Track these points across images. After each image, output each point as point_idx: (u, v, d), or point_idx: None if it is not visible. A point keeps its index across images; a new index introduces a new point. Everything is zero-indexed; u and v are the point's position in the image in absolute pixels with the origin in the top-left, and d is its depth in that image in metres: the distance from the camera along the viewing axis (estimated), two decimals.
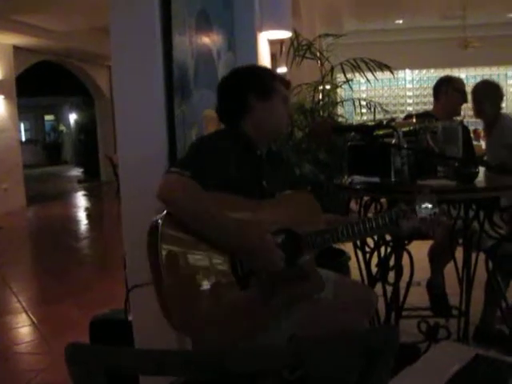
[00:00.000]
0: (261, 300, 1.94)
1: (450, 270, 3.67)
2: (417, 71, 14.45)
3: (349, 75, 4.99)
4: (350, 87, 5.26)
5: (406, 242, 2.79)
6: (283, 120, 2.27)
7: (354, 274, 3.43)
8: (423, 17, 12.30)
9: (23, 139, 25.28)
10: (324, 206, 2.20)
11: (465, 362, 1.42)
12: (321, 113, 4.84)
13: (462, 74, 12.86)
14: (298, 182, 2.43)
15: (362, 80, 5.16)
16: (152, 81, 2.53)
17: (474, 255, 3.21)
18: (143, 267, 1.93)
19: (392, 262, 2.86)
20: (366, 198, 3.01)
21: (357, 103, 5.26)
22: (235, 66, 3.55)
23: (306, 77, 5.32)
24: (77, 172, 18.97)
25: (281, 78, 2.30)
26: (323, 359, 1.13)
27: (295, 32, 4.71)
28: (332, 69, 4.89)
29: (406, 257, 2.81)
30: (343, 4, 10.60)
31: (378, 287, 2.92)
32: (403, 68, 13.72)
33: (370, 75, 4.89)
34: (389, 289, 2.91)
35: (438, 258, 3.73)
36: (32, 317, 4.56)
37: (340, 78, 5.29)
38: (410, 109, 14.09)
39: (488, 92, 3.92)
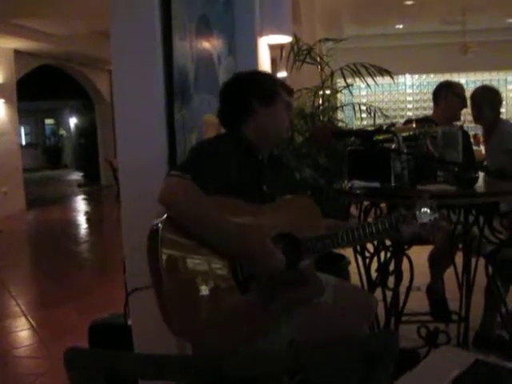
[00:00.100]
0: (261, 304, 1.94)
1: (449, 275, 3.67)
2: (417, 76, 14.46)
3: (349, 80, 5.00)
4: (350, 92, 5.27)
5: (406, 247, 2.79)
6: (284, 126, 2.27)
7: (354, 278, 3.43)
8: (423, 22, 12.32)
9: (23, 143, 25.29)
10: (324, 211, 2.21)
11: (465, 367, 1.42)
12: (321, 117, 4.84)
13: (461, 79, 12.88)
14: (299, 187, 2.44)
15: (362, 85, 5.16)
16: (152, 85, 2.53)
17: (473, 260, 3.21)
18: (143, 271, 1.93)
19: (392, 267, 2.85)
20: (365, 203, 3.01)
21: (357, 108, 5.26)
22: (236, 70, 3.56)
23: (306, 81, 5.32)
24: (77, 176, 18.97)
25: (284, 85, 2.31)
26: (323, 364, 1.13)
27: (295, 37, 4.71)
28: (332, 74, 4.89)
29: (405, 262, 2.81)
30: (343, 9, 10.62)
31: (378, 292, 2.92)
32: (403, 73, 13.73)
33: (370, 80, 4.89)
34: (388, 294, 2.91)
35: (437, 263, 3.73)
36: (31, 321, 4.56)
37: (340, 82, 5.30)
38: (409, 114, 14.09)
39: (487, 97, 3.92)
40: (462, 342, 3.11)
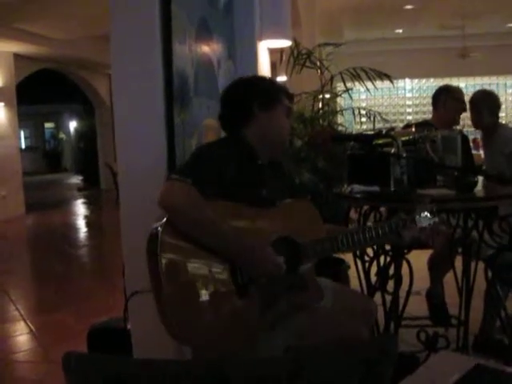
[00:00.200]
0: (260, 309, 1.94)
1: (449, 279, 3.67)
2: (416, 80, 14.48)
3: (348, 84, 5.01)
4: (350, 96, 5.28)
5: (406, 251, 2.79)
6: (285, 130, 2.28)
7: (354, 283, 3.42)
8: (423, 26, 12.35)
9: (23, 146, 25.29)
10: (323, 215, 2.20)
11: (464, 372, 1.41)
12: (320, 122, 4.85)
13: (461, 83, 12.89)
14: (299, 191, 2.43)
15: (362, 89, 5.18)
16: (152, 89, 2.53)
17: (473, 264, 3.21)
18: (142, 275, 1.92)
19: (391, 271, 2.85)
20: (365, 207, 3.01)
21: (356, 112, 5.27)
22: (235, 74, 3.57)
23: (305, 85, 5.34)
24: (76, 180, 18.95)
25: (284, 90, 2.31)
26: (322, 368, 1.12)
27: (295, 41, 4.73)
28: (332, 78, 4.91)
29: (405, 266, 2.80)
30: (343, 13, 10.64)
31: (378, 296, 2.91)
32: (403, 77, 13.75)
33: (369, 84, 4.90)
34: (388, 298, 2.90)
35: (437, 267, 3.73)
36: (30, 325, 4.55)
37: (340, 86, 5.32)
38: (409, 118, 14.11)
39: (486, 102, 3.92)
40: (461, 346, 3.11)
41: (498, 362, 2.38)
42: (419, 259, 3.28)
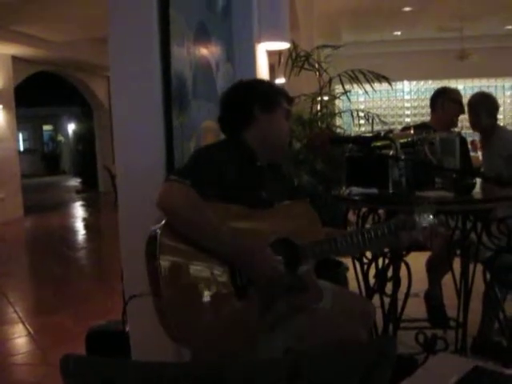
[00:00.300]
0: (260, 310, 1.94)
1: (447, 281, 3.67)
2: (415, 82, 14.49)
3: (347, 86, 5.01)
4: (348, 98, 5.29)
5: (404, 253, 2.79)
6: (284, 134, 2.29)
7: (352, 285, 3.43)
8: (421, 28, 12.37)
9: (21, 149, 25.28)
10: (322, 218, 2.21)
11: (463, 374, 1.41)
12: (319, 124, 4.86)
13: (459, 85, 12.90)
14: (298, 193, 2.43)
15: (360, 91, 5.18)
16: (150, 91, 2.53)
17: (471, 266, 3.21)
18: (140, 278, 1.92)
19: (390, 274, 2.85)
20: (364, 209, 3.01)
21: (355, 114, 5.28)
22: (234, 77, 3.57)
23: (304, 88, 5.34)
24: (75, 182, 18.96)
25: (284, 93, 2.32)
26: (321, 371, 1.12)
27: (293, 43, 4.73)
28: (330, 80, 4.91)
29: (403, 268, 2.80)
30: (341, 15, 10.66)
31: (376, 298, 2.91)
32: (401, 79, 13.77)
33: (367, 86, 4.91)
34: (386, 300, 2.90)
35: (435, 269, 3.73)
36: (28, 327, 4.54)
37: (338, 89, 5.32)
38: (407, 120, 14.12)
39: (484, 104, 3.92)
40: (459, 348, 3.10)
41: (497, 363, 2.37)
42: (417, 261, 3.29)
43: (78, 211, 13.50)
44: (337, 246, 2.07)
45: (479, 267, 3.14)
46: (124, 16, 2.54)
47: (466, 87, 13.28)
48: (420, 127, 3.70)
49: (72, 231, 10.40)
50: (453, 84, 12.25)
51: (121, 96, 2.59)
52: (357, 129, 6.48)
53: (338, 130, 5.39)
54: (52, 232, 10.16)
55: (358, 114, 5.29)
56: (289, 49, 4.66)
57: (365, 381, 1.10)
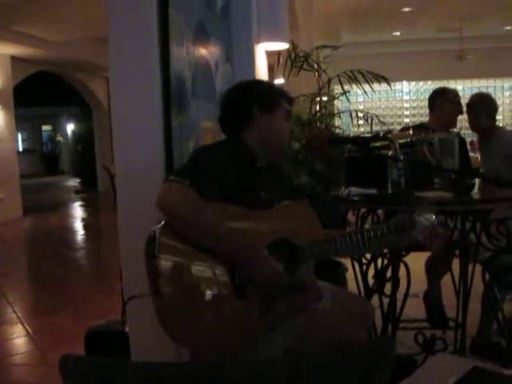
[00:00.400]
0: (259, 310, 1.94)
1: (446, 281, 3.67)
2: (414, 83, 14.50)
3: (346, 87, 5.01)
4: (347, 99, 5.29)
5: (403, 253, 2.79)
6: (284, 134, 2.29)
7: (351, 285, 3.42)
8: (420, 29, 12.38)
9: (20, 149, 25.27)
10: (321, 218, 2.20)
11: (462, 374, 1.41)
12: (318, 124, 4.86)
13: (458, 85, 12.91)
14: (297, 193, 2.43)
15: (359, 92, 5.18)
16: (150, 91, 2.53)
17: (470, 267, 3.21)
18: (139, 278, 1.92)
19: (389, 274, 2.85)
20: (363, 210, 3.01)
21: (354, 115, 5.28)
22: (233, 77, 3.57)
23: (303, 88, 5.34)
24: (74, 182, 18.95)
25: (285, 94, 2.32)
26: (320, 371, 1.12)
27: (292, 43, 4.73)
28: (329, 80, 4.91)
29: (402, 268, 2.81)
30: (341, 16, 10.66)
31: (375, 299, 2.91)
32: (400, 80, 13.77)
33: (367, 87, 4.90)
34: (385, 300, 2.90)
35: (434, 270, 3.73)
36: (28, 328, 4.54)
37: (337, 89, 5.31)
38: (406, 120, 14.13)
39: (483, 104, 3.93)
40: (459, 348, 3.10)
41: (496, 364, 2.38)
42: (417, 261, 3.29)
43: (77, 211, 13.49)
44: (336, 246, 2.07)
45: (478, 268, 3.13)
46: (123, 16, 2.54)
47: (465, 88, 13.29)
48: (419, 128, 3.70)
49: (71, 231, 10.39)
50: (452, 84, 12.24)
51: (120, 96, 2.60)
52: (356, 129, 6.48)
53: (337, 131, 5.39)
54: (51, 232, 10.16)
55: (357, 115, 5.29)
56: (288, 49, 4.66)
57: (364, 381, 1.10)
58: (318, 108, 5.01)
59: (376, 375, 1.10)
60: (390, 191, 2.65)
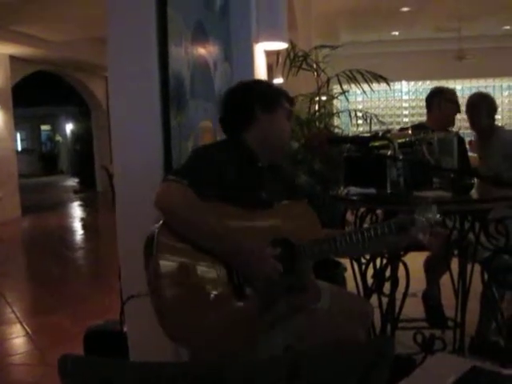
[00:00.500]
0: (258, 310, 1.94)
1: (445, 281, 3.67)
2: (413, 83, 14.51)
3: (345, 86, 5.01)
4: (346, 98, 5.29)
5: (402, 253, 2.79)
6: (285, 134, 2.29)
7: (350, 285, 3.42)
8: (419, 29, 12.38)
9: (19, 149, 25.25)
10: (320, 217, 2.20)
11: (460, 374, 1.41)
12: (317, 124, 4.85)
13: (457, 85, 12.93)
14: (297, 192, 2.43)
15: (358, 91, 5.17)
16: (148, 91, 2.53)
17: (469, 266, 3.21)
18: (138, 277, 1.92)
19: (388, 274, 2.85)
20: (362, 210, 3.01)
21: (353, 114, 5.28)
22: (231, 76, 3.57)
23: (302, 88, 5.34)
24: (72, 182, 18.92)
25: (285, 94, 2.32)
26: (319, 371, 1.12)
27: (291, 43, 4.73)
28: (328, 80, 4.91)
29: (401, 268, 2.81)
30: (339, 16, 10.66)
31: (374, 298, 2.92)
32: (399, 79, 13.77)
33: (366, 86, 4.90)
34: (384, 300, 2.91)
35: (433, 270, 3.73)
36: (26, 327, 4.54)
37: (336, 89, 5.32)
38: (405, 120, 14.13)
39: (483, 104, 3.93)
40: (457, 348, 3.11)
41: (494, 363, 2.38)
42: (415, 261, 3.28)
43: (76, 211, 13.48)
44: (336, 245, 2.06)
45: (477, 267, 3.14)
46: (122, 16, 2.54)
47: (463, 87, 13.32)
48: (417, 127, 3.70)
49: (70, 231, 10.38)
50: (451, 84, 12.25)
51: (119, 96, 2.59)
52: (355, 129, 6.47)
53: (336, 130, 5.38)
54: (50, 232, 10.15)
55: (356, 114, 5.29)
56: (287, 49, 4.66)
57: (363, 381, 1.10)
58: (316, 108, 5.01)
59: (375, 375, 1.10)
60: (388, 191, 2.65)
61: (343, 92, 5.08)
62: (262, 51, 4.24)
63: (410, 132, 3.06)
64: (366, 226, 2.82)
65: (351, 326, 2.13)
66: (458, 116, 3.93)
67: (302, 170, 4.33)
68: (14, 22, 9.38)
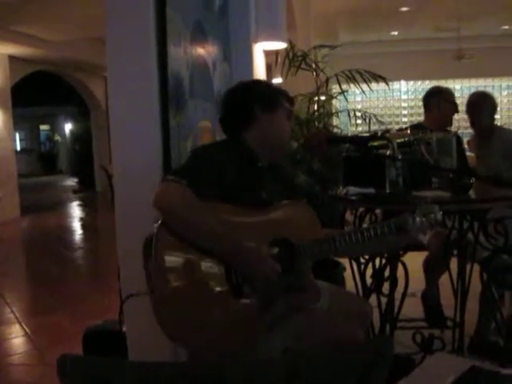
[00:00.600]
0: (257, 310, 1.94)
1: (444, 281, 3.67)
2: (412, 82, 14.49)
3: (344, 86, 5.01)
4: (345, 98, 5.28)
5: (401, 252, 2.79)
6: (285, 134, 2.29)
7: (349, 285, 3.42)
8: (418, 28, 12.37)
9: (18, 149, 25.23)
10: (319, 217, 2.20)
11: (459, 374, 1.41)
12: (316, 123, 4.85)
13: (456, 85, 12.93)
14: (296, 192, 2.43)
15: (357, 91, 5.17)
16: (147, 91, 2.53)
17: (468, 266, 3.21)
18: (137, 277, 1.92)
19: (387, 273, 2.85)
20: (361, 209, 3.01)
21: (352, 114, 5.28)
22: (230, 76, 3.57)
23: (301, 87, 5.34)
24: (72, 182, 18.92)
25: (285, 93, 2.32)
26: (318, 371, 1.12)
27: (290, 43, 4.73)
28: (327, 80, 4.91)
29: (400, 268, 2.81)
30: (338, 15, 10.65)
31: (373, 298, 2.92)
32: (398, 79, 13.76)
33: (365, 86, 4.90)
34: (383, 300, 2.91)
35: (432, 269, 3.73)
36: (25, 327, 4.54)
37: (335, 88, 5.32)
38: (404, 120, 14.12)
39: (483, 104, 3.93)
40: (456, 348, 3.11)
41: (494, 363, 2.38)
42: (414, 261, 3.28)
43: (75, 211, 13.47)
44: (335, 245, 2.06)
45: (476, 267, 3.14)
46: (121, 16, 2.54)
47: (463, 87, 13.31)
48: (416, 127, 3.70)
49: (69, 231, 10.38)
50: (450, 84, 12.25)
51: (118, 96, 2.59)
52: (354, 129, 6.47)
53: (335, 130, 5.39)
54: (49, 232, 10.14)
55: (355, 114, 5.29)
56: (286, 49, 4.66)
57: (362, 381, 1.10)
58: (315, 107, 5.01)
59: (374, 375, 1.10)
60: (387, 191, 2.65)
61: (342, 92, 5.08)
62: (260, 51, 4.25)
63: (408, 132, 3.06)
64: (365, 225, 2.82)
65: (350, 326, 2.14)
66: (456, 116, 3.93)
67: (301, 170, 4.33)
68: (14, 22, 9.37)
